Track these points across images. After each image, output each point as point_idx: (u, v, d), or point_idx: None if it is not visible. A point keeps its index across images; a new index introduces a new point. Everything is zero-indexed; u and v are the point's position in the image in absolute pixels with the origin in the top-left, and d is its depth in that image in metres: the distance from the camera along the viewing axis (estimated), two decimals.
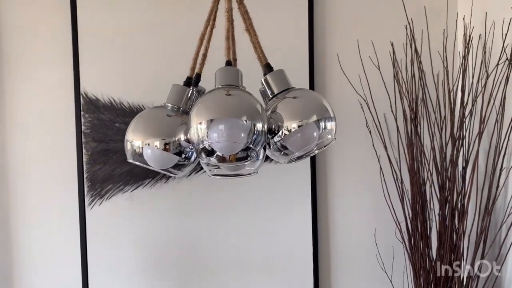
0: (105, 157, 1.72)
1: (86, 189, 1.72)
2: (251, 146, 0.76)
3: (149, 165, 0.84)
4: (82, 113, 1.71)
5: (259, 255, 1.80)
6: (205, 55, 0.87)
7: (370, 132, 1.73)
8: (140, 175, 1.73)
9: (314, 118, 0.83)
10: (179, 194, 1.74)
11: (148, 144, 0.83)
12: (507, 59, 1.54)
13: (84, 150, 1.71)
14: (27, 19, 1.71)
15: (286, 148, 0.84)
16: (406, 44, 1.71)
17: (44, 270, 1.74)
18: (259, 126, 0.76)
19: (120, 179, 1.73)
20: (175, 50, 1.72)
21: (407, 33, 1.69)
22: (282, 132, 0.82)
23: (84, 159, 1.71)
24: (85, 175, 1.71)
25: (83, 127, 1.71)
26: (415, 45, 1.69)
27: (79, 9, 1.69)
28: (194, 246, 1.77)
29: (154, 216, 1.75)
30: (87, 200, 1.72)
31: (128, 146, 0.85)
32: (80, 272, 1.72)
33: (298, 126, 0.82)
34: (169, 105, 0.87)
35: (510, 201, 1.56)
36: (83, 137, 1.71)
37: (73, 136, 1.71)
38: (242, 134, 0.75)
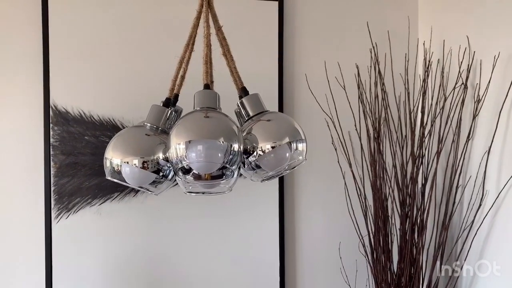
0: (73, 170, 1.71)
1: (53, 202, 1.69)
2: (227, 165, 0.80)
3: (127, 182, 0.87)
4: (51, 125, 1.69)
5: (227, 269, 1.82)
6: (183, 77, 0.91)
7: (335, 149, 1.80)
8: (108, 188, 1.72)
9: (287, 140, 0.88)
10: (147, 208, 1.75)
11: (127, 162, 0.85)
12: (462, 83, 1.65)
13: (52, 163, 1.69)
14: None
15: (260, 168, 0.89)
16: (371, 66, 1.80)
17: (8, 283, 1.70)
18: (235, 146, 0.80)
19: (88, 193, 1.72)
20: (146, 64, 1.74)
21: (371, 56, 1.78)
22: (256, 153, 0.86)
23: (52, 172, 1.69)
24: (52, 188, 1.69)
25: (51, 140, 1.69)
26: (378, 67, 1.78)
27: (51, 21, 1.68)
28: (162, 260, 1.78)
29: (122, 230, 1.75)
30: (53, 213, 1.69)
31: (107, 164, 0.87)
32: (44, 287, 1.69)
33: (272, 147, 0.87)
34: (148, 124, 0.90)
35: (465, 216, 1.65)
36: (51, 149, 1.69)
37: (41, 149, 1.69)
38: (219, 154, 0.79)
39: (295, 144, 0.89)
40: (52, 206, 1.69)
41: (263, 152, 0.86)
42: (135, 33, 1.75)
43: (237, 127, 0.83)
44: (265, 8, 1.82)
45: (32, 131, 1.69)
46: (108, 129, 1.72)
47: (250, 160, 0.87)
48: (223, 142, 0.79)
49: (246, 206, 1.82)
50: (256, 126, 0.89)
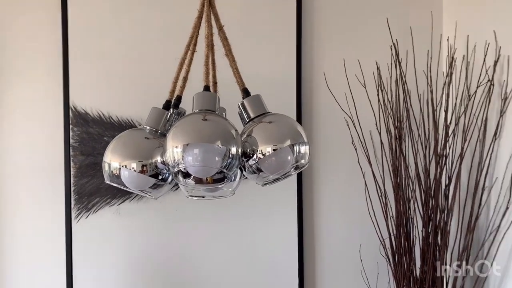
0: (93, 170, 1.73)
1: (73, 202, 1.72)
2: (224, 170, 0.78)
3: (126, 187, 0.86)
4: (70, 126, 1.72)
5: (246, 269, 1.81)
6: (185, 78, 0.89)
7: (355, 149, 1.75)
8: None
9: (288, 142, 0.85)
10: (165, 208, 1.75)
11: (125, 166, 0.84)
12: (488, 80, 1.58)
13: (72, 163, 1.72)
14: (17, 32, 1.72)
15: (261, 171, 0.86)
16: (391, 64, 1.74)
17: (29, 283, 1.74)
18: (233, 150, 0.78)
19: (107, 193, 1.74)
20: (164, 65, 1.71)
21: (392, 53, 1.72)
22: (256, 156, 0.84)
23: (72, 172, 1.72)
24: (72, 188, 1.72)
25: (71, 141, 1.72)
26: (399, 65, 1.71)
27: (70, 23, 1.71)
28: (180, 260, 1.78)
29: (141, 229, 1.76)
30: (73, 213, 1.72)
31: (105, 167, 0.86)
32: (65, 286, 1.72)
33: (273, 150, 0.84)
34: (147, 127, 0.89)
35: (491, 219, 1.58)
36: (71, 150, 1.72)
37: (61, 149, 1.72)
38: (217, 158, 0.77)
39: (297, 147, 0.85)
40: (72, 206, 1.72)
41: (263, 155, 0.83)
42: (154, 35, 1.75)
43: (236, 130, 0.80)
44: (283, 5, 1.78)
45: (52, 132, 1.72)
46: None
47: (250, 163, 0.85)
48: (220, 145, 0.77)
49: (263, 207, 1.80)
50: (257, 128, 0.86)
